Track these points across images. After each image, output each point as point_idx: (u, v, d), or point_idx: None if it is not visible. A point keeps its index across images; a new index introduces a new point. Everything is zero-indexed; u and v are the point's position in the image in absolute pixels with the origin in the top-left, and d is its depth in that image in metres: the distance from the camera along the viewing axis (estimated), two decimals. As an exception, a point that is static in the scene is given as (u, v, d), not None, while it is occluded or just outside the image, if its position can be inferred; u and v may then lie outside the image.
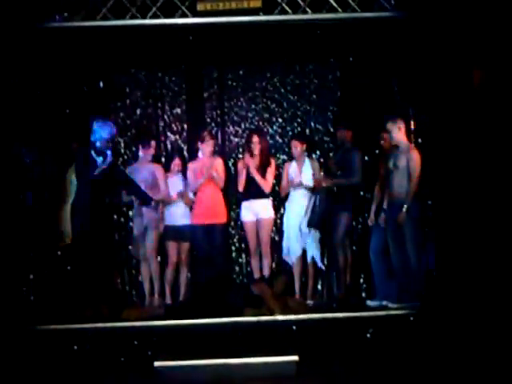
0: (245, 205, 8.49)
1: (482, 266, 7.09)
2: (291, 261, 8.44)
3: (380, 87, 8.95)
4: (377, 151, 8.52)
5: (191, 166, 8.52)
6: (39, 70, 8.02)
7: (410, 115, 8.28)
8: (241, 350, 6.46)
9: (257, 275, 8.40)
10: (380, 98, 8.89)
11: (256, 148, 8.45)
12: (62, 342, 6.79)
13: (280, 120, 9.46)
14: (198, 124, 9.24)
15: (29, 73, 7.83)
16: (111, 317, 7.22)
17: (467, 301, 6.94)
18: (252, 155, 8.46)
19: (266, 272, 8.32)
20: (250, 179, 8.43)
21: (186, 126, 9.40)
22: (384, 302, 7.57)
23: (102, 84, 9.28)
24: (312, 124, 9.47)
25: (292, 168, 8.53)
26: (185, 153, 9.28)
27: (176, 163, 8.64)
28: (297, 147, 8.51)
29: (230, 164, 9.23)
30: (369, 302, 7.90)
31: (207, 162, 8.37)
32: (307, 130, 9.43)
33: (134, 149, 9.05)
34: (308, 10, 7.69)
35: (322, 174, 8.50)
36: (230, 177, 8.92)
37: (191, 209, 8.46)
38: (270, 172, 8.46)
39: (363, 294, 8.74)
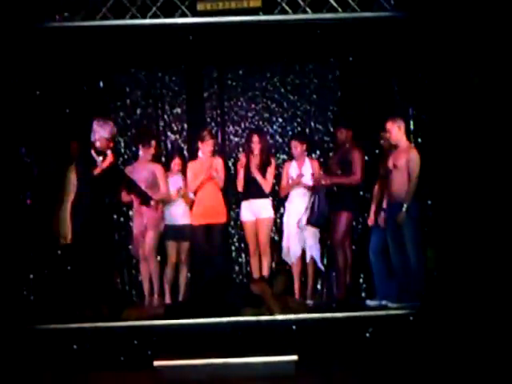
0: (244, 205, 8.49)
1: (482, 265, 7.09)
2: (291, 261, 8.44)
3: (380, 87, 8.96)
4: (376, 151, 8.53)
5: (191, 165, 8.53)
6: (39, 69, 8.02)
7: (409, 115, 8.28)
8: (240, 350, 6.46)
9: (256, 275, 8.39)
10: (380, 97, 8.90)
11: (256, 148, 8.46)
12: (61, 341, 6.81)
13: (280, 120, 9.48)
14: (198, 124, 9.25)
15: (29, 73, 7.83)
16: (111, 316, 7.22)
17: (467, 301, 6.94)
18: (251, 155, 8.46)
19: (266, 272, 8.32)
20: (249, 179, 8.43)
21: (185, 125, 9.42)
22: (383, 302, 7.57)
23: (102, 84, 9.30)
24: (312, 124, 9.48)
25: (292, 168, 8.53)
26: (185, 152, 9.30)
27: (176, 163, 8.64)
28: (297, 147, 8.51)
29: (230, 164, 9.24)
30: (368, 302, 7.89)
31: (207, 162, 8.37)
32: (307, 130, 9.44)
33: (134, 148, 9.07)
34: (308, 9, 7.70)
35: (321, 172, 8.49)
36: (230, 176, 8.94)
37: (191, 208, 8.46)
38: (270, 172, 8.46)
39: (363, 294, 8.76)
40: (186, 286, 8.57)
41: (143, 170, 8.38)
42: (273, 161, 8.60)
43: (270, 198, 8.48)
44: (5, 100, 7.49)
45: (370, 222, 8.06)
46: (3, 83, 7.45)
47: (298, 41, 8.39)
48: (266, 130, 9.33)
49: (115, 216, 9.12)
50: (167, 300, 8.42)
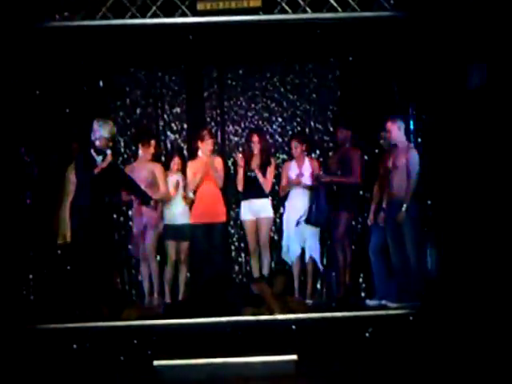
0: (244, 204, 8.50)
1: (482, 265, 7.09)
2: (290, 260, 8.45)
3: (379, 87, 8.96)
4: (376, 151, 8.53)
5: (191, 165, 8.53)
6: (39, 69, 8.02)
7: (409, 115, 8.29)
8: (240, 349, 6.47)
9: (256, 274, 8.41)
10: (379, 97, 8.89)
11: (256, 147, 8.46)
12: (61, 341, 6.80)
13: (280, 119, 9.47)
14: (198, 123, 9.24)
15: (29, 72, 7.83)
16: (111, 316, 7.23)
17: (467, 300, 6.94)
18: (250, 154, 8.46)
19: (266, 271, 8.33)
20: (249, 178, 8.43)
21: (185, 125, 9.41)
22: (383, 302, 7.58)
23: (101, 83, 9.29)
24: (312, 123, 9.47)
25: (292, 167, 8.53)
26: (184, 152, 9.28)
27: (176, 162, 8.64)
28: (296, 147, 8.52)
29: (230, 163, 9.24)
30: (368, 302, 7.90)
31: (207, 162, 8.37)
32: (307, 130, 9.43)
33: (133, 148, 9.06)
34: (308, 9, 7.69)
35: (321, 170, 8.49)
36: (230, 176, 8.94)
37: (191, 208, 8.46)
38: (270, 171, 8.46)
39: (362, 294, 8.76)
40: (186, 285, 8.57)
41: (143, 170, 8.38)
42: (273, 161, 8.60)
43: (270, 198, 8.49)
44: (5, 100, 7.48)
45: (370, 221, 8.06)
46: (3, 83, 7.44)
47: (298, 40, 8.38)
48: (265, 129, 9.32)
49: (115, 216, 9.11)
50: (167, 299, 8.42)
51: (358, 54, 9.08)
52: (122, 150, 9.32)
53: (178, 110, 9.43)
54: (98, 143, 7.53)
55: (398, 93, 8.73)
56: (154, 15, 7.69)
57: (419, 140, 8.16)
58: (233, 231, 9.28)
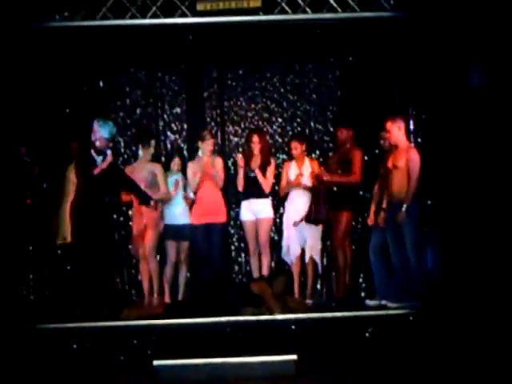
0: (244, 204, 8.50)
1: (482, 265, 7.09)
2: (290, 260, 8.45)
3: (380, 87, 8.97)
4: (376, 151, 8.53)
5: (191, 165, 8.53)
6: (39, 69, 8.03)
7: (409, 115, 8.29)
8: (240, 349, 6.45)
9: (256, 275, 8.40)
10: (380, 97, 8.91)
11: (256, 148, 8.46)
12: (61, 341, 6.79)
13: (280, 120, 9.48)
14: (198, 123, 9.25)
15: (29, 72, 7.83)
16: (111, 316, 7.23)
17: (467, 300, 6.94)
18: (250, 154, 8.46)
19: (266, 271, 8.33)
20: (249, 179, 8.43)
21: (185, 125, 9.42)
22: (383, 302, 7.57)
23: (102, 83, 9.30)
24: (312, 124, 9.48)
25: (292, 168, 8.53)
26: (184, 152, 9.29)
27: (176, 162, 8.64)
28: (296, 147, 8.51)
29: (230, 163, 9.24)
30: (368, 302, 7.90)
31: (207, 162, 8.37)
32: (307, 130, 9.44)
33: (133, 148, 9.07)
34: (308, 9, 7.69)
35: (322, 169, 8.49)
36: (230, 176, 8.94)
37: (191, 208, 8.46)
38: (270, 172, 8.46)
39: (363, 294, 8.76)
40: (186, 285, 8.58)
41: (143, 170, 8.38)
42: (273, 161, 8.60)
43: (270, 198, 8.48)
44: (5, 100, 7.48)
45: (370, 221, 8.06)
46: (3, 83, 7.44)
47: (298, 41, 8.39)
48: (265, 129, 9.32)
49: (115, 216, 9.11)
50: (167, 299, 8.42)
51: (358, 54, 9.10)
52: (122, 150, 9.33)
53: (178, 110, 9.44)
54: (98, 143, 7.53)
55: (398, 93, 8.74)
56: (154, 15, 7.69)
57: (419, 140, 8.16)
58: (233, 231, 9.30)
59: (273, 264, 8.75)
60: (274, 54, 9.00)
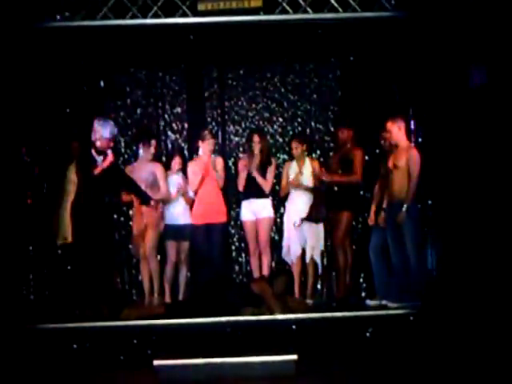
0: (245, 204, 8.50)
1: (482, 265, 7.09)
2: (291, 260, 8.45)
3: (380, 87, 8.97)
4: (377, 151, 8.53)
5: (191, 165, 8.53)
6: (40, 69, 8.01)
7: (410, 115, 8.29)
8: (240, 349, 6.45)
9: (256, 274, 8.40)
10: (380, 97, 8.91)
11: (256, 147, 8.46)
12: (61, 340, 6.79)
13: (280, 119, 9.48)
14: (199, 123, 9.25)
15: (29, 72, 7.81)
16: (111, 316, 7.23)
17: (467, 300, 6.93)
18: (252, 155, 8.46)
19: (266, 271, 8.33)
20: (250, 179, 8.43)
21: (186, 125, 9.42)
22: (383, 302, 7.57)
23: (102, 83, 9.30)
24: (312, 123, 9.48)
25: (292, 168, 8.53)
26: (185, 152, 9.30)
27: (176, 162, 8.64)
28: (297, 147, 8.52)
29: (230, 163, 9.24)
30: (368, 302, 7.90)
31: (207, 161, 8.36)
32: (308, 130, 9.44)
33: (134, 148, 9.07)
34: (309, 9, 7.68)
35: (322, 169, 8.49)
36: (231, 176, 8.94)
37: (191, 208, 8.46)
38: (271, 172, 8.46)
39: (363, 294, 8.76)
40: (186, 285, 8.57)
41: (143, 170, 8.38)
42: (273, 161, 8.60)
43: (271, 198, 8.48)
44: (5, 100, 7.47)
45: (371, 221, 8.05)
46: (3, 83, 7.44)
47: (299, 41, 8.38)
48: (266, 129, 9.32)
49: (115, 216, 9.11)
50: (167, 299, 8.41)
51: (358, 54, 9.10)
52: (123, 150, 9.33)
53: (178, 109, 9.44)
54: (98, 143, 7.53)
55: (398, 93, 8.73)
56: (155, 15, 7.68)
57: (420, 140, 8.16)
58: (233, 231, 9.30)
59: (273, 264, 8.75)
60: (274, 54, 9.00)
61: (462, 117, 7.43)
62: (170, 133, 9.44)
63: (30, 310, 7.47)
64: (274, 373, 6.17)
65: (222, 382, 6.22)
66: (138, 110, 9.45)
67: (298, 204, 8.39)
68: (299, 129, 9.44)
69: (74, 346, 6.76)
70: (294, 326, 6.90)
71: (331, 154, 9.14)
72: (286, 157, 9.20)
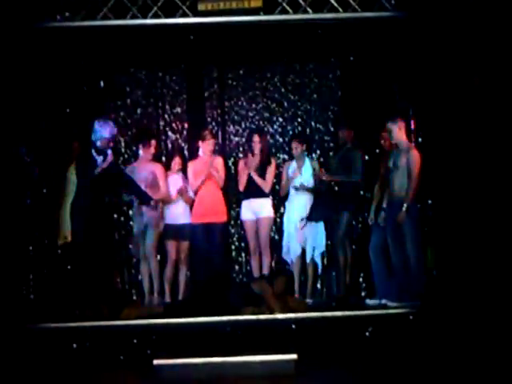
0: (245, 204, 8.50)
1: (482, 265, 7.09)
2: (291, 260, 8.45)
3: (380, 87, 8.97)
4: (377, 151, 8.53)
5: (191, 165, 8.53)
6: (40, 69, 8.01)
7: (410, 115, 8.29)
8: (240, 349, 6.45)
9: (256, 274, 8.40)
10: (380, 97, 8.90)
11: (256, 147, 8.46)
12: (61, 340, 6.79)
13: (280, 119, 9.49)
14: (199, 123, 9.26)
15: (29, 72, 7.81)
16: (111, 315, 7.22)
17: (467, 300, 6.93)
18: (252, 155, 8.46)
19: (266, 271, 8.33)
20: (250, 179, 8.43)
21: (186, 125, 9.43)
22: (383, 301, 7.57)
23: (102, 83, 9.30)
24: (312, 124, 9.48)
25: (291, 168, 8.53)
26: (185, 152, 9.30)
27: (176, 162, 8.64)
28: (297, 148, 8.52)
29: (230, 163, 9.25)
30: (368, 301, 7.90)
31: (207, 161, 8.37)
32: (308, 130, 9.44)
33: (134, 148, 9.07)
34: (309, 9, 7.69)
35: (322, 169, 8.49)
36: (231, 176, 8.94)
37: (191, 208, 8.46)
38: (270, 171, 8.46)
39: (363, 293, 8.76)
40: (186, 285, 8.57)
41: (143, 170, 8.38)
42: (273, 161, 8.60)
43: (270, 198, 8.48)
44: (5, 100, 7.48)
45: (371, 221, 8.06)
46: (3, 83, 7.45)
47: (299, 41, 8.39)
48: (266, 129, 9.32)
49: (115, 216, 9.11)
50: (167, 299, 8.41)
51: (358, 54, 9.10)
52: (123, 150, 9.33)
53: (178, 109, 9.45)
54: (98, 143, 7.53)
55: (398, 93, 8.74)
56: (155, 16, 7.69)
57: (420, 140, 8.16)
58: (233, 231, 9.30)
59: (273, 264, 8.75)
60: (274, 54, 9.01)
61: (462, 117, 7.43)
62: (170, 133, 9.44)
63: (30, 309, 7.47)
64: (274, 372, 6.18)
65: (222, 382, 6.22)
66: (138, 110, 9.45)
67: (298, 204, 8.39)
68: (299, 129, 9.44)
69: (74, 345, 6.76)
70: (293, 326, 6.90)
71: (331, 154, 9.14)
72: (286, 157, 9.20)
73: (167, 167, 8.66)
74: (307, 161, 8.55)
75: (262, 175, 8.38)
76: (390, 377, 6.15)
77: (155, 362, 6.30)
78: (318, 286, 8.88)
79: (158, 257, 8.54)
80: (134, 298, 9.00)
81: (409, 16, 7.67)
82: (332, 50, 9.01)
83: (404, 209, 7.33)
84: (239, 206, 8.71)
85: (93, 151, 7.56)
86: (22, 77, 7.68)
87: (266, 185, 8.39)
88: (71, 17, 7.69)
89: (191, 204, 8.46)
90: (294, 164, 8.56)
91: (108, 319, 7.06)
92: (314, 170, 8.42)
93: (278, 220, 8.89)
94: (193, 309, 7.20)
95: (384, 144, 8.02)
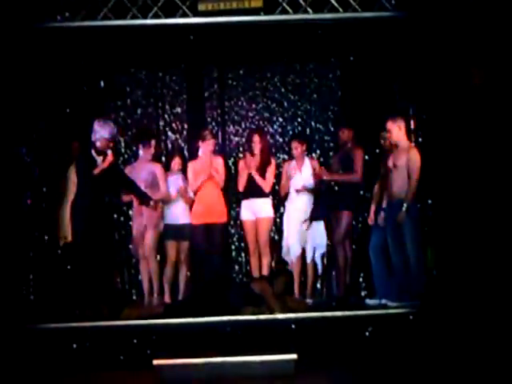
0: (244, 204, 8.49)
1: (482, 265, 7.09)
2: (291, 260, 8.45)
3: (380, 87, 8.97)
4: (377, 150, 8.53)
5: (191, 165, 8.52)
6: (40, 69, 8.02)
7: (410, 114, 8.29)
8: (240, 349, 6.45)
9: (256, 274, 8.39)
10: (380, 97, 8.91)
11: (256, 147, 8.45)
12: (61, 340, 6.80)
13: (280, 119, 9.49)
14: (199, 123, 9.26)
15: (29, 72, 7.82)
16: (111, 315, 7.23)
17: (467, 300, 6.94)
18: (252, 155, 8.46)
19: (266, 271, 8.32)
20: (250, 179, 8.43)
21: (186, 125, 9.43)
22: (383, 301, 7.57)
23: (102, 83, 9.30)
24: (312, 123, 9.48)
25: (291, 167, 8.54)
26: (185, 152, 9.30)
27: (176, 162, 8.63)
28: (297, 147, 8.52)
29: (230, 163, 9.25)
30: (368, 301, 7.89)
31: (207, 162, 8.37)
32: (308, 130, 9.45)
33: (134, 148, 9.07)
34: (309, 9, 7.69)
35: (322, 168, 8.49)
36: (230, 176, 8.94)
37: (191, 208, 8.46)
38: (270, 171, 8.46)
39: (363, 293, 8.75)
40: (186, 285, 8.56)
41: (143, 170, 8.38)
42: (273, 161, 8.60)
43: (270, 198, 8.48)
44: (5, 100, 7.48)
45: (370, 221, 8.05)
46: (3, 83, 7.45)
47: (299, 41, 8.39)
48: (266, 129, 9.33)
49: (115, 216, 9.12)
50: (167, 299, 8.40)
51: (358, 54, 9.11)
52: (123, 150, 9.33)
53: (178, 110, 9.46)
54: (98, 144, 7.53)
55: (398, 93, 8.74)
56: (155, 16, 7.69)
57: (420, 140, 8.16)
58: (233, 231, 9.30)
59: (273, 264, 8.75)
60: (274, 54, 9.01)
61: (462, 116, 7.44)
62: (170, 133, 9.44)
63: (30, 309, 7.47)
64: (274, 372, 6.17)
65: (222, 382, 6.21)
66: (138, 110, 9.46)
67: (298, 204, 8.39)
68: (299, 129, 9.44)
69: (74, 345, 6.77)
70: (293, 326, 6.90)
71: (331, 153, 9.14)
72: (285, 157, 9.20)
73: (167, 167, 8.66)
74: (307, 161, 8.54)
75: (262, 175, 8.38)
76: (390, 377, 6.16)
77: (155, 362, 6.29)
78: (318, 286, 8.87)
79: (158, 257, 8.54)
80: (134, 298, 9.01)
81: (409, 16, 7.67)
82: (332, 50, 9.01)
83: (404, 209, 7.33)
84: (239, 206, 8.70)
85: (93, 151, 7.55)
86: (22, 77, 7.69)
87: (266, 185, 8.39)
88: (71, 17, 7.69)
89: (191, 204, 8.45)
90: (293, 164, 8.56)
91: (108, 319, 7.07)
92: (313, 170, 8.41)
93: (278, 220, 8.90)
94: (193, 309, 7.20)
95: (384, 144, 8.01)
